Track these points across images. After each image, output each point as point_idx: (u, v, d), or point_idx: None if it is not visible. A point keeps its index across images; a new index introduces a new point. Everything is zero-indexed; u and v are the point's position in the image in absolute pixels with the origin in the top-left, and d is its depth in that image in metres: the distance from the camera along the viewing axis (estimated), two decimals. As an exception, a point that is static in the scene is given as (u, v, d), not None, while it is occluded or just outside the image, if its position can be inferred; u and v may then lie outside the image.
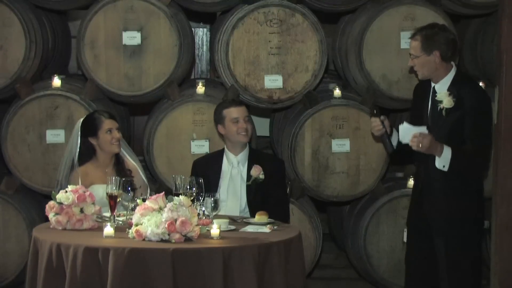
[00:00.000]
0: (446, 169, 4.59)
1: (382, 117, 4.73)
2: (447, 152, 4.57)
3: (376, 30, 5.98)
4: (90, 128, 5.01)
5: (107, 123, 5.01)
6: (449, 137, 4.61)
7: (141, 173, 5.11)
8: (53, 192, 4.38)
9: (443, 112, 4.63)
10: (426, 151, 4.59)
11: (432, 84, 4.74)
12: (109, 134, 5.00)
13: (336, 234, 7.00)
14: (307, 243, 5.69)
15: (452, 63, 4.76)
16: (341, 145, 6.01)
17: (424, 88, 4.83)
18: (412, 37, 4.75)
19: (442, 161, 4.58)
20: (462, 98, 4.60)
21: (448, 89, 4.65)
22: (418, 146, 4.56)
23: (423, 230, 4.77)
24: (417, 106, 4.87)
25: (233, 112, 5.02)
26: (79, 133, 5.03)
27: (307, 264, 5.55)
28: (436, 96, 4.68)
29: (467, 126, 4.60)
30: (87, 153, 5.03)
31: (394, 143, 4.77)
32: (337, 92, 6.10)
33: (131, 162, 5.12)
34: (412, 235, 4.89)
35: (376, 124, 4.72)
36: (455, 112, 4.60)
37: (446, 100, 4.61)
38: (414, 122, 4.76)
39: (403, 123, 4.70)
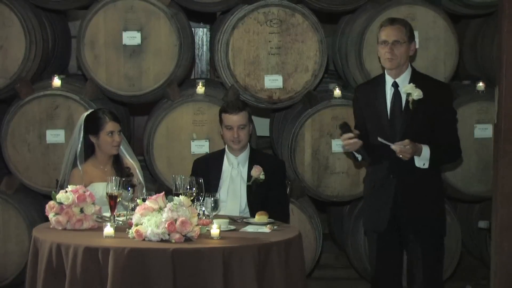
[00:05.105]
0: (426, 166, 4.66)
1: (356, 132, 4.62)
2: (425, 151, 4.63)
3: (376, 30, 5.96)
4: (92, 126, 4.99)
5: (110, 125, 4.98)
6: (418, 131, 4.64)
7: (137, 172, 5.11)
8: (53, 192, 4.38)
9: (410, 105, 4.64)
10: (410, 157, 4.63)
11: (389, 80, 4.72)
12: (110, 137, 4.98)
13: (336, 234, 7.00)
14: (307, 243, 5.68)
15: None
16: (341, 145, 6.00)
17: (372, 89, 4.79)
18: (394, 23, 4.71)
19: (422, 160, 4.64)
20: (426, 91, 4.62)
21: (410, 83, 4.67)
22: (405, 156, 4.60)
23: (394, 237, 4.77)
24: (364, 112, 4.80)
25: (228, 119, 5.01)
26: (82, 128, 5.02)
27: (307, 264, 5.55)
28: (401, 90, 4.67)
29: (439, 120, 4.66)
30: (87, 150, 5.02)
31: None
32: (337, 92, 6.11)
33: (129, 160, 5.12)
34: (382, 243, 4.81)
35: (351, 140, 4.57)
36: (421, 105, 4.61)
37: (416, 92, 4.61)
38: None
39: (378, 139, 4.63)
